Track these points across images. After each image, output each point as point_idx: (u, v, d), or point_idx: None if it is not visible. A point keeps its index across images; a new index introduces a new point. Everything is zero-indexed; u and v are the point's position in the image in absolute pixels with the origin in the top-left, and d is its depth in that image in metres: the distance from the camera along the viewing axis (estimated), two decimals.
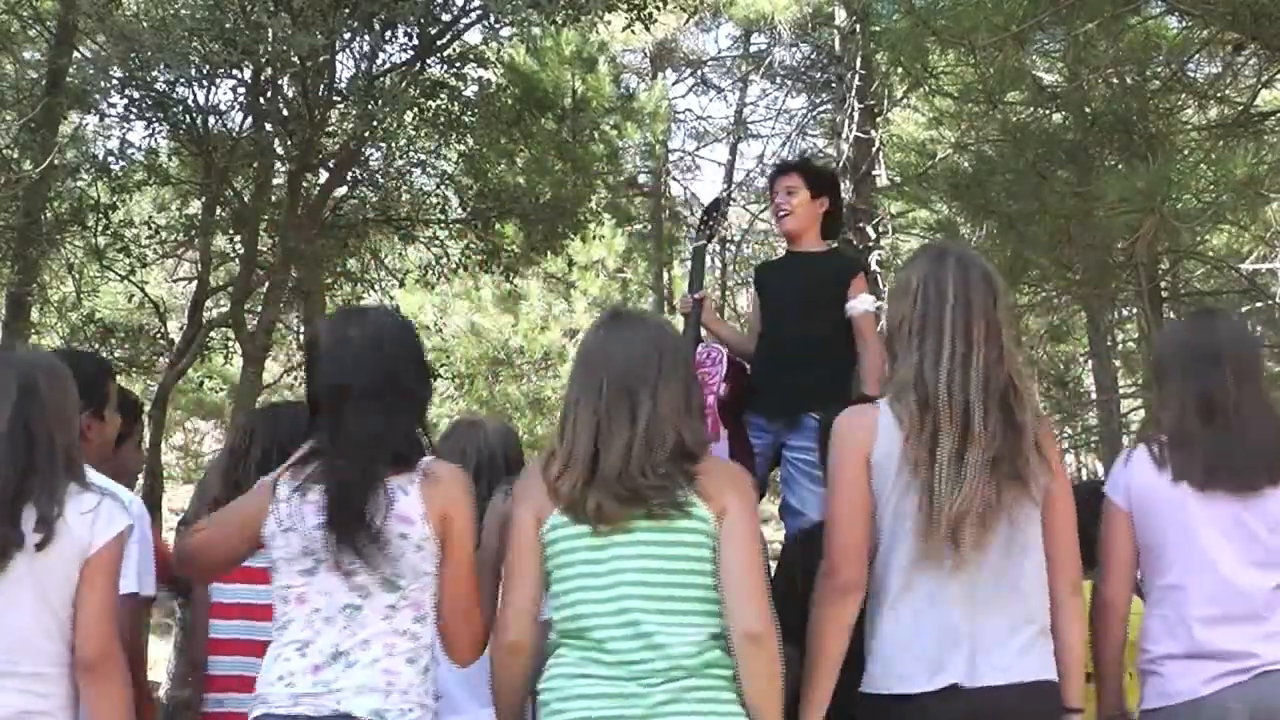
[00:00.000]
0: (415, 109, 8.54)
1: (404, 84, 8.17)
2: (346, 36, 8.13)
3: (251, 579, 2.82)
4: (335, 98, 8.31)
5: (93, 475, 2.45)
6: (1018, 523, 2.33)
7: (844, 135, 12.86)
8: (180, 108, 8.07)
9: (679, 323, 4.11)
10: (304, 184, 8.85)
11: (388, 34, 8.42)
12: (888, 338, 2.52)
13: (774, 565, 3.97)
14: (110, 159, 8.34)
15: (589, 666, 2.28)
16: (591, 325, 2.52)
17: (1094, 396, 13.22)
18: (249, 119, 8.34)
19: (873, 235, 12.56)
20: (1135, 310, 10.91)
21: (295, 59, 7.51)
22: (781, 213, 4.08)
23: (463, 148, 9.78)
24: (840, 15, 13.29)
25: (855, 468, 2.39)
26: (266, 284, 9.06)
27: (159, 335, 9.99)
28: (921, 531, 2.30)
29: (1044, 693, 2.34)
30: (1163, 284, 10.22)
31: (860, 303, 3.89)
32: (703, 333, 4.13)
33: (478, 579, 2.42)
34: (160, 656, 10.26)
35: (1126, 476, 2.65)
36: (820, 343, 3.89)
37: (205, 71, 7.75)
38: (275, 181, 9.15)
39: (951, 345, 2.35)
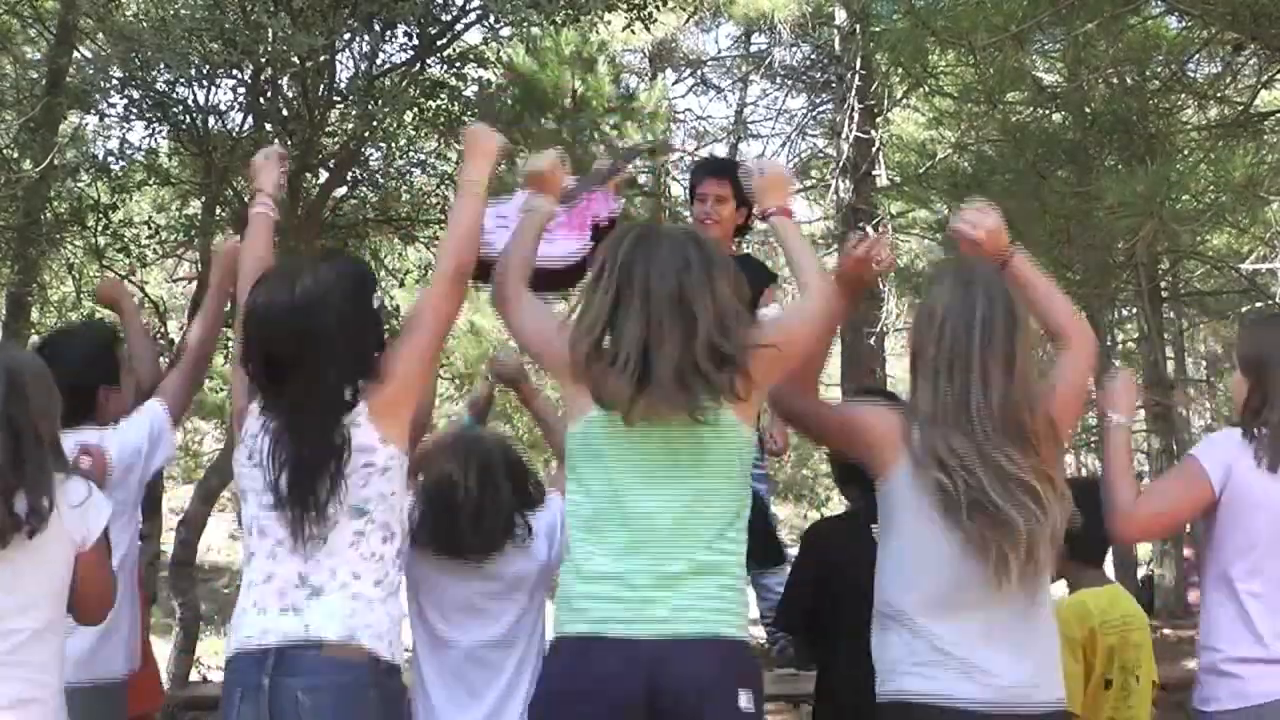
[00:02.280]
0: (415, 109, 8.53)
1: (404, 84, 8.17)
2: (346, 36, 8.12)
3: None
4: (335, 98, 8.30)
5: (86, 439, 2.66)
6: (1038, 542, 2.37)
7: (844, 135, 12.85)
8: (180, 108, 8.05)
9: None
10: (304, 184, 8.84)
11: (388, 34, 8.41)
12: (910, 360, 2.56)
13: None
14: (110, 159, 8.33)
15: (607, 563, 2.32)
16: (622, 239, 2.49)
17: (1094, 396, 13.19)
18: (249, 119, 8.33)
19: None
20: (1135, 310, 10.92)
21: (295, 59, 7.50)
22: (707, 220, 4.15)
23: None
24: (840, 15, 13.28)
25: (874, 429, 2.55)
26: None
27: (159, 335, 9.98)
28: (960, 561, 2.35)
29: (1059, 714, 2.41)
30: (1163, 284, 10.24)
31: (769, 312, 3.97)
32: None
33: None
34: (160, 656, 10.26)
35: (1231, 458, 2.58)
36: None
37: (205, 71, 7.73)
38: None
39: (982, 382, 2.39)
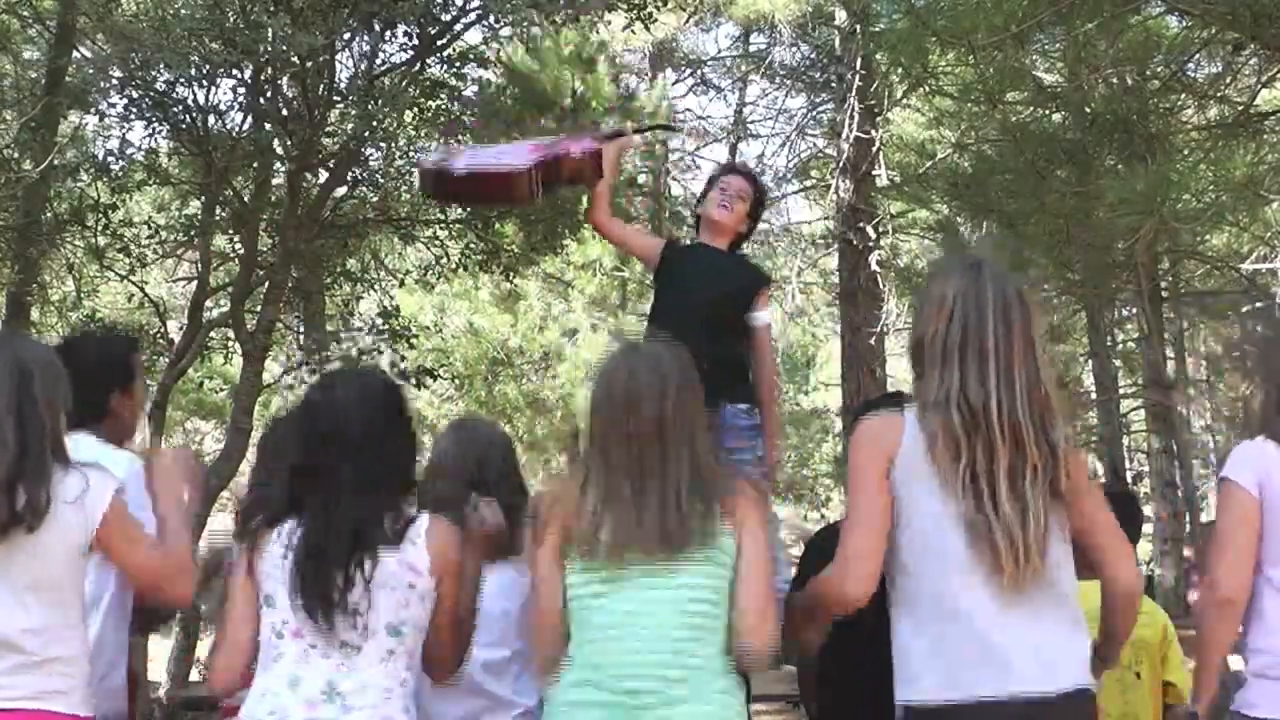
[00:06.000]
0: (415, 109, 8.54)
1: (404, 84, 8.17)
2: (346, 36, 8.13)
3: None
4: (335, 98, 8.31)
5: (76, 454, 2.47)
6: (1061, 538, 2.33)
7: (844, 135, 12.86)
8: (180, 108, 8.06)
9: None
10: (304, 184, 8.85)
11: (388, 34, 8.43)
12: (914, 349, 2.45)
13: None
14: (110, 159, 8.34)
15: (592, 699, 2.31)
16: (607, 360, 2.51)
17: (1094, 396, 13.24)
18: (249, 119, 8.34)
19: (873, 235, 12.56)
20: (1135, 310, 10.93)
21: (295, 59, 7.51)
22: (725, 206, 4.19)
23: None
24: (840, 15, 13.29)
25: (878, 476, 2.36)
26: (266, 284, 9.06)
27: (159, 335, 9.99)
28: (981, 555, 2.26)
29: (1088, 699, 2.33)
30: (1163, 284, 10.26)
31: (764, 315, 4.02)
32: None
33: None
34: (160, 656, 10.26)
35: (1262, 464, 2.52)
36: (729, 338, 4.00)
37: (205, 71, 7.74)
38: (275, 181, 9.15)
39: (995, 363, 2.31)
